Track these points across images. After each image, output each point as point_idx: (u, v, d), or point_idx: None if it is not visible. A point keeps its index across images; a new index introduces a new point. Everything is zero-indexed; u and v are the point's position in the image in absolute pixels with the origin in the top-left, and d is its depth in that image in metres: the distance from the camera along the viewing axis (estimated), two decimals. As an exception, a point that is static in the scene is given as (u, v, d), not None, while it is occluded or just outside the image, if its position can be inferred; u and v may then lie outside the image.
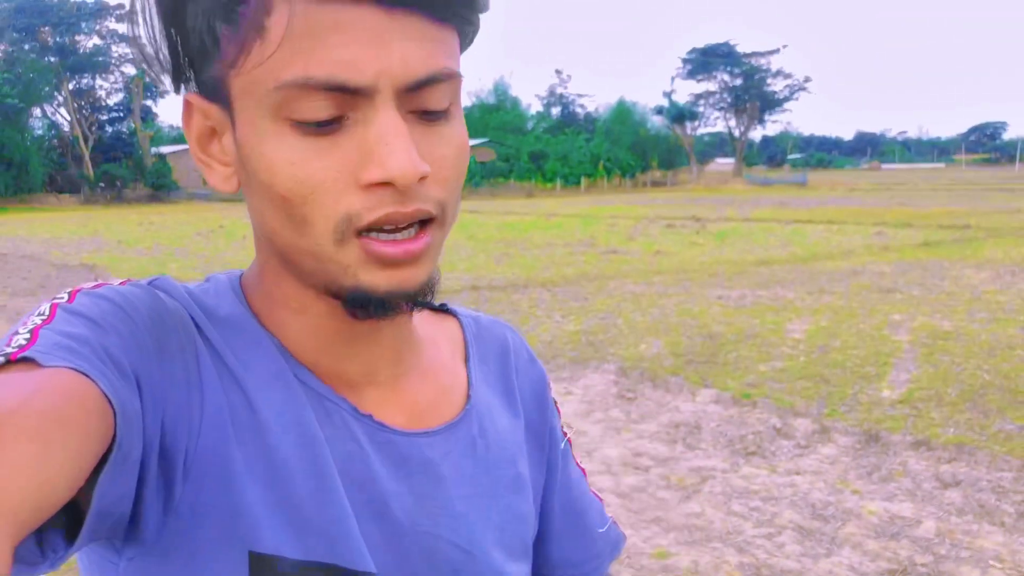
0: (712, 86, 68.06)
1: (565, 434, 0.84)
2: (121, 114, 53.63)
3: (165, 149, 55.04)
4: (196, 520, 0.57)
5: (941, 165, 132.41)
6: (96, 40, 52.36)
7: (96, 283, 0.59)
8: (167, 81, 0.61)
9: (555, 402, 0.84)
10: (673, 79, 69.97)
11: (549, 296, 10.60)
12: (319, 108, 0.54)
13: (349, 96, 0.54)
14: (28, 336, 0.51)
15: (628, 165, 60.64)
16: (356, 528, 0.61)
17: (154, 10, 0.58)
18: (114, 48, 52.56)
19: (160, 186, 47.63)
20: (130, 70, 52.71)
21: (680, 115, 65.32)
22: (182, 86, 0.61)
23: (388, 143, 0.54)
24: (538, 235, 20.12)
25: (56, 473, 0.44)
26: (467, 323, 0.79)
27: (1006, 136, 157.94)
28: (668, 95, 67.44)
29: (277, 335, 0.65)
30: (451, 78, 0.57)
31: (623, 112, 65.50)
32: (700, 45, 67.73)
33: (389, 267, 0.58)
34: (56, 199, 44.21)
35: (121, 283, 0.59)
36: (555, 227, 22.62)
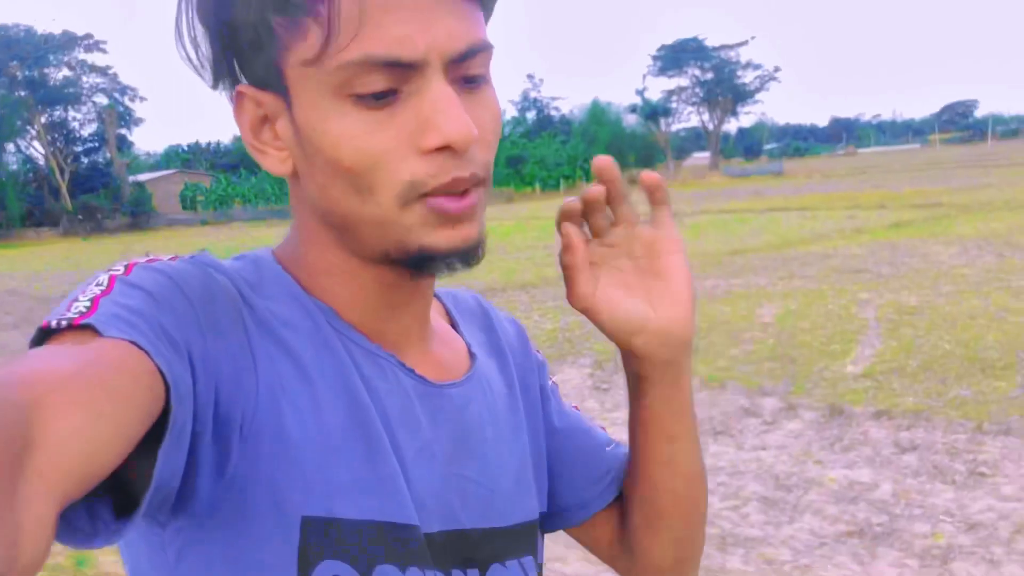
0: (684, 81, 68.59)
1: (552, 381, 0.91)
2: (96, 144, 53.53)
3: (143, 176, 55.04)
4: (250, 487, 0.59)
5: (916, 146, 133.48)
6: (66, 71, 52.40)
7: (149, 257, 0.61)
8: (207, 78, 0.65)
9: (537, 350, 0.90)
10: (644, 77, 70.55)
11: (528, 298, 10.79)
12: (377, 82, 0.58)
13: (402, 70, 0.59)
14: (88, 304, 0.53)
15: (605, 164, 60.82)
16: (404, 485, 0.65)
17: (195, 11, 0.62)
18: (84, 79, 52.60)
19: (139, 214, 47.60)
20: (102, 100, 52.75)
21: (653, 112, 65.81)
22: (221, 83, 0.65)
23: (443, 110, 0.59)
24: (519, 238, 20.31)
25: (104, 444, 0.45)
26: (445, 296, 0.85)
27: (978, 114, 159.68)
28: (640, 93, 68.00)
29: (324, 301, 0.68)
30: (487, 48, 0.63)
31: (598, 112, 65.89)
32: (669, 41, 68.35)
33: (449, 225, 0.63)
34: (35, 233, 44.16)
35: (171, 258, 0.62)
36: (535, 230, 22.80)
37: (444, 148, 0.60)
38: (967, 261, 10.94)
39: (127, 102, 54.40)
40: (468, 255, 0.64)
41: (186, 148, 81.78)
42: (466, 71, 0.62)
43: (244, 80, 0.63)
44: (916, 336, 7.04)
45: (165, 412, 0.51)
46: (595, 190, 0.72)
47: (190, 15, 0.63)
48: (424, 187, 0.61)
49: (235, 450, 0.58)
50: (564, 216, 0.73)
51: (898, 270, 10.63)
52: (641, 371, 0.77)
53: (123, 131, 53.75)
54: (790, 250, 13.62)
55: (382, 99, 0.59)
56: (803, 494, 4.25)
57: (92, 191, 49.35)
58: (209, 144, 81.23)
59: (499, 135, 0.66)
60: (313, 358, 0.64)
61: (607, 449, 0.88)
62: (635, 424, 0.81)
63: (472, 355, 0.78)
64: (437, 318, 0.79)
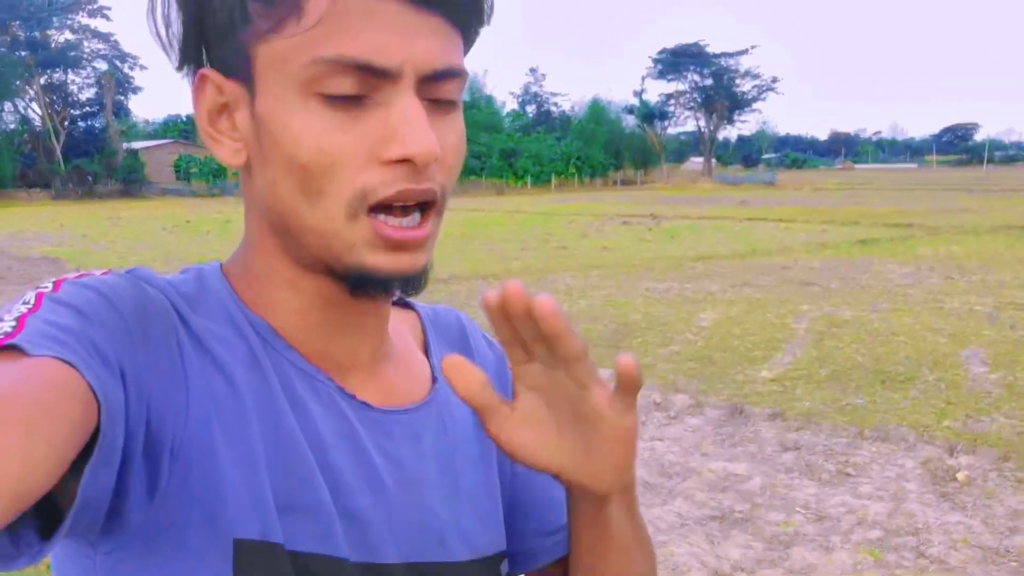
0: (683, 86, 69.05)
1: None
2: (93, 109, 53.65)
3: (138, 144, 55.13)
4: (182, 508, 0.58)
5: (913, 166, 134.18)
6: (68, 35, 52.48)
7: (79, 273, 0.59)
8: (173, 59, 0.64)
9: None
10: (643, 79, 70.76)
11: (488, 288, 11.12)
12: (346, 84, 0.58)
13: (374, 78, 0.58)
14: (14, 324, 0.51)
15: (600, 164, 61.36)
16: (332, 512, 0.63)
17: None
18: (86, 43, 52.68)
19: (132, 181, 47.76)
20: (102, 66, 52.84)
21: (650, 114, 66.27)
22: (186, 65, 0.64)
23: (410, 123, 0.58)
24: (497, 231, 20.66)
25: (39, 464, 0.44)
26: (424, 313, 0.82)
27: (977, 137, 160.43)
28: (639, 94, 68.52)
29: (265, 317, 0.66)
30: (461, 74, 0.62)
31: (598, 111, 66.18)
32: (671, 45, 68.70)
33: (393, 250, 0.61)
34: (27, 194, 44.29)
35: (103, 273, 0.60)
36: (516, 224, 23.16)
37: (404, 161, 0.59)
38: (914, 281, 11.32)
39: (127, 70, 54.60)
40: (409, 282, 0.63)
41: (185, 119, 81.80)
42: (438, 93, 0.61)
43: (208, 64, 0.62)
44: (835, 348, 7.41)
45: (96, 430, 0.50)
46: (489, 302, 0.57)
47: None
48: (374, 196, 0.59)
49: (165, 469, 0.57)
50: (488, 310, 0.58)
51: (846, 285, 11.01)
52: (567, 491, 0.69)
53: (121, 98, 53.82)
54: (753, 259, 13.99)
55: (349, 102, 0.59)
56: (681, 481, 4.61)
57: (87, 155, 49.47)
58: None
59: (461, 161, 0.65)
60: (245, 377, 0.63)
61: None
62: (568, 524, 0.73)
63: (434, 379, 0.75)
64: (403, 337, 0.77)
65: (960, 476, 4.61)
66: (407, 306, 0.81)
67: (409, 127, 0.58)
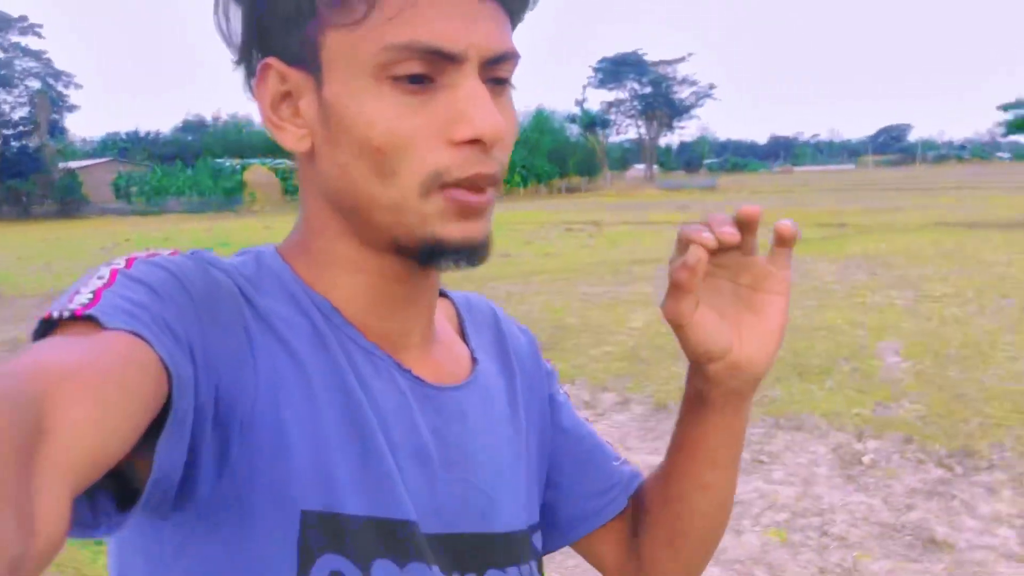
0: (622, 94, 70.13)
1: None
2: (27, 128, 52.42)
3: (76, 164, 54.00)
4: (250, 481, 0.59)
5: (851, 167, 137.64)
6: (-1, 54, 51.18)
7: (149, 252, 0.61)
8: (233, 52, 0.66)
9: (550, 362, 0.91)
10: (584, 88, 71.74)
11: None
12: (417, 68, 0.61)
13: (442, 61, 0.61)
14: (91, 296, 0.53)
15: (545, 172, 61.84)
16: (400, 482, 0.66)
17: None
18: (17, 62, 51.47)
19: (69, 201, 46.81)
20: (35, 84, 51.67)
21: (592, 123, 67.09)
22: (245, 59, 0.66)
23: (478, 105, 0.61)
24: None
25: (111, 434, 0.45)
26: (459, 300, 0.85)
27: (911, 137, 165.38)
28: (580, 103, 69.30)
29: (327, 296, 0.68)
30: (516, 56, 0.66)
31: (542, 120, 66.71)
32: (610, 54, 69.79)
33: (464, 219, 0.64)
34: (-41, 217, 43.10)
35: (171, 253, 0.61)
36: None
37: (473, 142, 0.62)
38: (841, 278, 11.72)
39: (61, 88, 53.51)
40: (477, 251, 0.66)
41: (124, 136, 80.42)
42: (495, 74, 0.64)
43: (270, 55, 0.64)
44: (760, 343, 7.68)
45: (167, 404, 0.52)
46: (731, 236, 0.68)
47: None
48: (448, 177, 0.62)
49: (235, 444, 0.59)
50: (694, 239, 0.68)
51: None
52: (705, 394, 0.77)
53: (56, 117, 52.73)
54: (688, 262, 14.29)
55: (418, 86, 0.61)
56: (604, 475, 4.80)
57: (21, 176, 48.33)
58: (148, 133, 80.00)
59: (515, 138, 0.69)
60: (310, 355, 0.65)
61: (615, 464, 0.88)
62: (682, 443, 0.82)
63: (475, 361, 0.79)
64: (443, 322, 0.80)
65: (866, 460, 4.88)
66: (442, 295, 0.84)
67: (477, 109, 0.61)
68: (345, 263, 0.69)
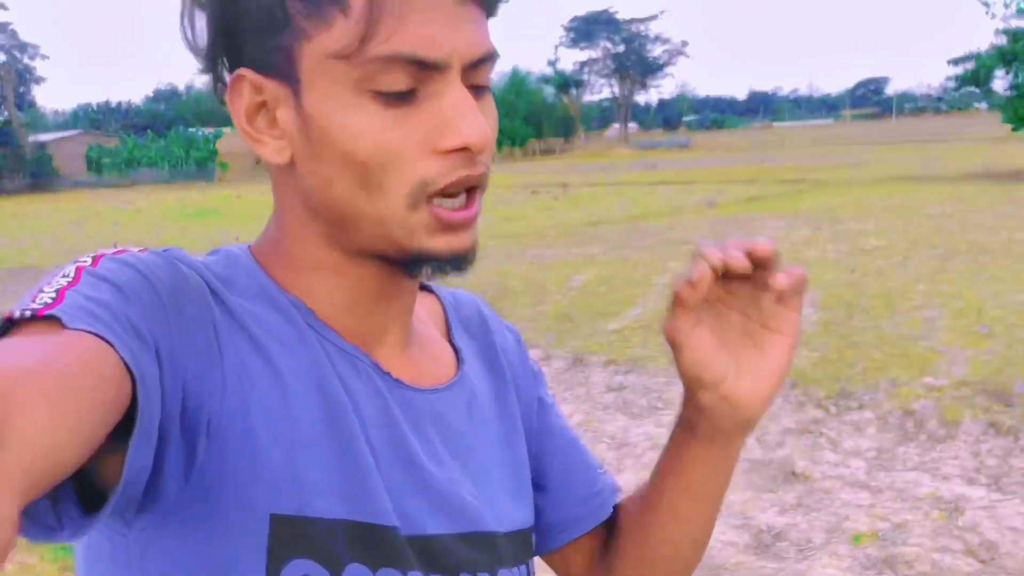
0: (595, 53, 70.01)
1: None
2: (-5, 103, 51.89)
3: (46, 136, 53.60)
4: (218, 484, 0.58)
5: (829, 121, 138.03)
6: (-38, 27, 50.48)
7: (117, 249, 0.59)
8: (199, 62, 0.65)
9: (536, 362, 0.89)
10: (557, 48, 71.64)
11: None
12: (399, 80, 0.59)
13: (425, 71, 0.59)
14: (54, 295, 0.52)
15: (520, 135, 61.86)
16: (380, 484, 0.64)
17: None
18: (-19, 35, 50.78)
19: (40, 175, 46.57)
20: (0, 57, 51.05)
21: (565, 83, 67.03)
22: (216, 65, 0.65)
23: (464, 113, 0.60)
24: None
25: (68, 438, 0.43)
26: (446, 297, 0.84)
27: (888, 90, 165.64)
28: (552, 63, 69.18)
29: (301, 298, 0.67)
30: (495, 58, 0.64)
31: (518, 82, 66.52)
32: (582, 13, 69.56)
33: (449, 232, 0.63)
34: (-72, 193, 42.84)
35: (140, 251, 0.60)
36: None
37: (461, 150, 0.61)
38: (786, 235, 12.10)
39: (27, 60, 52.93)
40: (462, 261, 0.65)
41: (96, 107, 79.59)
42: (476, 78, 0.63)
43: (242, 64, 0.63)
44: (685, 299, 8.07)
45: (131, 407, 0.50)
46: (737, 261, 0.67)
47: None
48: (433, 186, 0.62)
49: (202, 447, 0.58)
50: (706, 259, 0.67)
51: (720, 241, 11.71)
52: (694, 425, 0.75)
53: (23, 89, 52.19)
54: (642, 222, 14.68)
55: (402, 98, 0.60)
56: (511, 424, 5.19)
57: (-9, 151, 47.97)
58: (120, 104, 79.24)
59: (495, 141, 0.67)
60: (284, 354, 0.63)
61: (599, 471, 0.87)
62: (665, 470, 0.80)
63: (460, 361, 0.78)
64: (427, 321, 0.79)
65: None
66: (428, 290, 0.83)
67: (463, 118, 0.60)
68: (323, 268, 0.68)
